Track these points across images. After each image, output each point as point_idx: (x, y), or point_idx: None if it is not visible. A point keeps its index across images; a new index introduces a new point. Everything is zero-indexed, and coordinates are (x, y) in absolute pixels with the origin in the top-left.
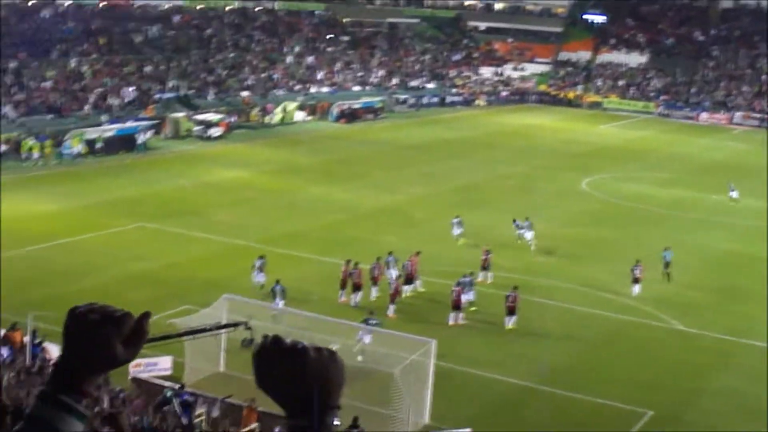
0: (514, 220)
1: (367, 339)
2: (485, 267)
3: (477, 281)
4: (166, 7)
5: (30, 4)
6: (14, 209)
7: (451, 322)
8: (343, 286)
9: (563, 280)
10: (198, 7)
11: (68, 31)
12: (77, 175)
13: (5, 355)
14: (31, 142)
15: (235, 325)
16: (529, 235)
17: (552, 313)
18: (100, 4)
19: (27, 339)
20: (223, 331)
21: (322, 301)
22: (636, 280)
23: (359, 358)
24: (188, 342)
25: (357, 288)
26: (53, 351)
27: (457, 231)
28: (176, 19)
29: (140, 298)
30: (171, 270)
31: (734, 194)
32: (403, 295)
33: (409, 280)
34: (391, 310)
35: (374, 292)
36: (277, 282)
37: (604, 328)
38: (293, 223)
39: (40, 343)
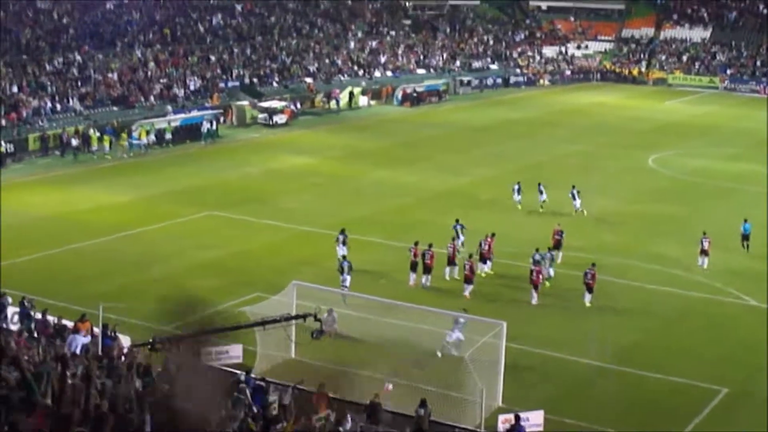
0: (539, 184)
1: (455, 336)
2: (557, 246)
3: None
4: None
5: None
6: (86, 201)
7: (534, 302)
8: (413, 269)
9: (632, 258)
10: None
11: (132, 23)
12: (145, 166)
13: (79, 344)
14: (98, 134)
15: (304, 316)
16: (577, 202)
17: (622, 292)
18: None
19: (97, 330)
20: (293, 322)
21: (391, 284)
22: (704, 252)
23: (438, 354)
24: (259, 330)
25: (427, 270)
26: (125, 342)
27: (517, 197)
28: (239, 7)
29: (209, 286)
30: (240, 257)
31: None
32: (476, 273)
33: (483, 260)
34: (467, 290)
35: (448, 273)
36: (344, 258)
37: (676, 305)
38: (360, 207)
39: (113, 334)
